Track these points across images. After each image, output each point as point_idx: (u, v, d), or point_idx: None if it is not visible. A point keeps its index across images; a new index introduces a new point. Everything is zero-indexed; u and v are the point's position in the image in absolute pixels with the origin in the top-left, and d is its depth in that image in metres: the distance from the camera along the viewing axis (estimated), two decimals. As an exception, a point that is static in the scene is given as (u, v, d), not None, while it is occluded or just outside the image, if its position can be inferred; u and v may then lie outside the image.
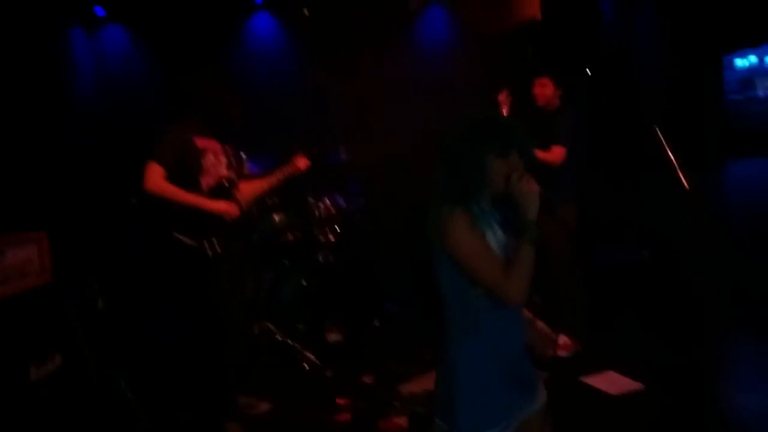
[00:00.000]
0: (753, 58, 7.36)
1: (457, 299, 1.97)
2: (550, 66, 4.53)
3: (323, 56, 5.62)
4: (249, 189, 3.74)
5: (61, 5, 5.01)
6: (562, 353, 4.27)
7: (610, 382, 3.89)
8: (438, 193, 1.96)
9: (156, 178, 3.36)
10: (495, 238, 1.94)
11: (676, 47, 5.92)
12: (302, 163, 3.83)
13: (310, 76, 5.62)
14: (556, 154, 4.28)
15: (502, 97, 4.38)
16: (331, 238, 4.89)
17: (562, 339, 4.29)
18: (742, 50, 6.45)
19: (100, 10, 5.32)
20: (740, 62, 7.31)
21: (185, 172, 3.44)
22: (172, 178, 3.39)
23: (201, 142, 3.51)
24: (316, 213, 4.89)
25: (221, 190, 3.56)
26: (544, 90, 4.46)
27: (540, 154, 4.21)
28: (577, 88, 5.42)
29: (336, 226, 4.93)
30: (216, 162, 3.56)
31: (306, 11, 5.55)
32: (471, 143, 1.93)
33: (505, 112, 4.31)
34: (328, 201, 4.95)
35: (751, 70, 7.15)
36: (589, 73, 5.67)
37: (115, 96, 5.20)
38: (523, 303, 1.94)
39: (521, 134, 1.96)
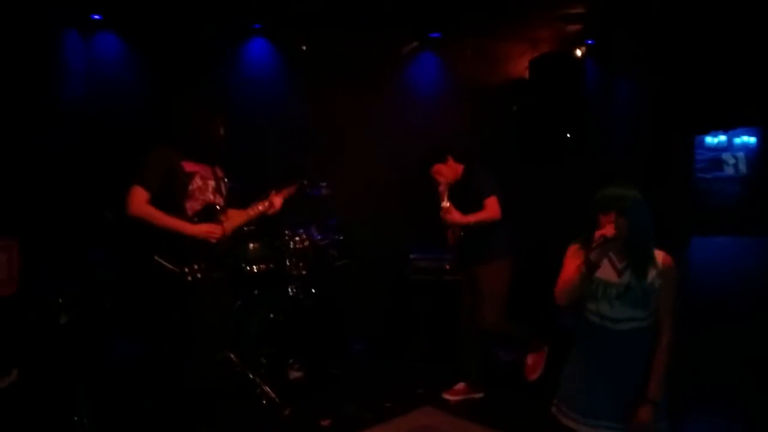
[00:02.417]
0: (722, 138, 7.66)
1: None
2: (427, 155, 4.69)
3: (314, 88, 5.65)
4: (235, 217, 3.73)
5: (58, 5, 4.94)
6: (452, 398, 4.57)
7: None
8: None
9: (139, 202, 3.35)
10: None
11: (653, 122, 6.15)
12: (278, 202, 3.87)
13: (300, 106, 5.64)
14: (491, 206, 4.40)
15: (442, 189, 4.52)
16: (303, 271, 4.87)
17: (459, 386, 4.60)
18: (714, 131, 6.74)
19: (96, 16, 5.25)
20: (709, 140, 7.59)
21: (170, 196, 3.44)
22: (156, 201, 3.38)
23: (189, 166, 3.51)
24: (291, 245, 4.87)
25: (208, 214, 3.55)
26: (441, 174, 4.62)
27: (479, 215, 4.38)
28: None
29: (308, 260, 4.92)
30: (203, 186, 3.56)
31: (304, 47, 5.59)
32: (591, 204, 2.64)
33: (445, 203, 4.42)
34: (303, 233, 4.95)
35: (719, 149, 7.42)
36: (568, 136, 5.87)
37: (103, 102, 5.12)
38: (560, 304, 2.68)
39: (617, 197, 2.56)
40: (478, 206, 4.43)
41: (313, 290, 4.93)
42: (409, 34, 6.04)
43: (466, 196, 4.53)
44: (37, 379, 3.46)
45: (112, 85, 5.16)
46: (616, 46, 6.12)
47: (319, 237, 5.06)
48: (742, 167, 7.29)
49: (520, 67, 6.22)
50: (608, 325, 2.62)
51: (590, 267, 2.53)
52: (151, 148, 3.49)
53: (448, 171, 4.63)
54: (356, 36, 5.76)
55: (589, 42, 6.12)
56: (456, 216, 4.41)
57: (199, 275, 3.43)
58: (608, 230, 2.49)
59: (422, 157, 4.74)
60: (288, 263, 4.84)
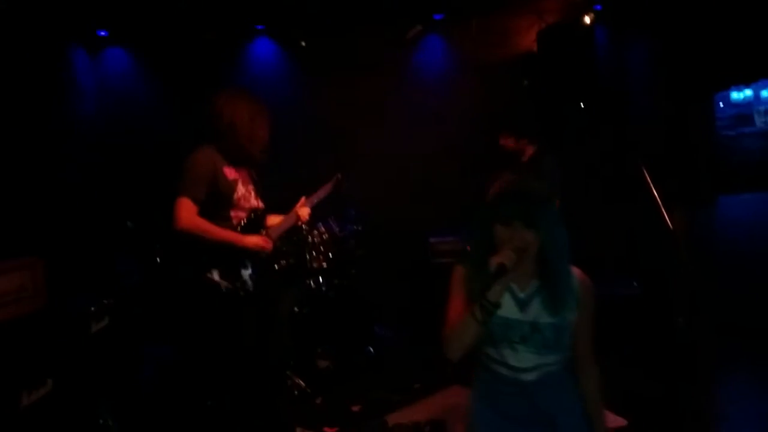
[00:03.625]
0: (748, 92, 7.45)
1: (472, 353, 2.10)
2: (513, 118, 4.48)
3: (322, 82, 5.70)
4: (276, 223, 3.58)
5: (63, 25, 5.06)
6: None
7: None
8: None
9: (189, 214, 3.11)
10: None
11: (669, 83, 6.02)
12: (304, 213, 3.66)
13: (310, 102, 5.69)
14: None
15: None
16: (324, 264, 4.93)
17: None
18: (734, 87, 6.55)
19: (102, 32, 5.38)
20: (735, 96, 7.39)
21: (215, 206, 3.22)
22: (202, 212, 3.17)
23: (230, 172, 3.29)
24: (310, 239, 4.93)
25: (254, 223, 3.39)
26: (506, 142, 4.41)
27: None
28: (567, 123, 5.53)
29: (329, 253, 4.97)
30: (247, 194, 3.37)
31: (303, 43, 5.63)
32: (486, 208, 1.97)
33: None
34: (322, 227, 5.00)
35: (747, 105, 7.22)
36: (582, 107, 5.78)
37: (116, 118, 5.26)
38: (449, 357, 1.94)
39: (526, 204, 1.90)
40: None
41: (336, 281, 4.99)
42: (413, 19, 6.02)
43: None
44: (71, 388, 3.58)
45: (123, 98, 5.30)
46: (624, 8, 6.01)
47: (337, 229, 5.10)
48: (769, 121, 7.06)
49: (529, 40, 6.14)
50: (520, 376, 1.99)
51: (487, 310, 1.87)
52: (193, 153, 3.23)
53: (513, 144, 4.37)
54: (360, 28, 5.78)
55: (597, 7, 6.01)
56: None
57: (251, 288, 3.28)
58: (506, 256, 1.85)
59: (498, 118, 4.52)
60: (308, 257, 4.90)
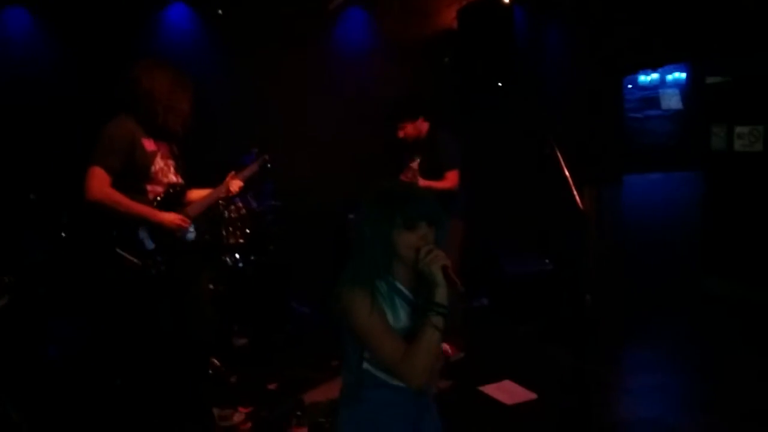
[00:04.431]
0: (654, 76, 7.80)
1: (348, 369, 1.94)
2: (400, 108, 4.67)
3: (239, 53, 5.52)
4: (198, 197, 3.45)
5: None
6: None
7: (506, 392, 4.09)
8: (347, 267, 1.88)
9: (101, 185, 3.00)
10: (397, 316, 1.87)
11: (580, 66, 6.22)
12: (235, 186, 3.57)
13: (226, 73, 5.50)
14: (451, 179, 4.47)
15: (415, 165, 4.57)
16: (241, 240, 4.84)
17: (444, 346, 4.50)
18: (642, 71, 6.84)
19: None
20: (642, 79, 7.72)
21: (131, 178, 3.11)
22: (116, 184, 3.05)
23: (149, 144, 3.18)
24: (226, 214, 4.82)
25: (172, 199, 3.28)
26: (405, 131, 4.65)
27: (438, 185, 4.39)
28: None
29: (246, 228, 4.87)
30: (165, 168, 3.26)
31: (220, 11, 5.42)
32: (375, 217, 1.85)
33: (419, 182, 4.41)
34: (239, 202, 4.89)
35: (652, 88, 7.55)
36: (500, 86, 5.89)
37: (17, 81, 4.90)
38: (421, 387, 1.82)
39: (428, 202, 1.87)
40: (437, 171, 4.46)
41: (253, 257, 4.91)
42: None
43: (425, 156, 4.53)
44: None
45: (25, 63, 4.94)
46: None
47: (255, 204, 5.01)
48: (676, 103, 7.44)
49: (449, 17, 6.16)
50: (411, 395, 1.89)
51: (443, 315, 1.80)
52: (110, 122, 3.11)
53: (412, 129, 4.64)
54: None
55: (517, -12, 6.10)
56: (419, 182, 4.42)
57: (162, 267, 3.16)
58: (440, 257, 1.80)
59: (394, 107, 4.70)
60: (224, 233, 4.80)
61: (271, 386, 4.19)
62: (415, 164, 4.64)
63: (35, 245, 4.41)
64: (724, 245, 6.23)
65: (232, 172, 3.61)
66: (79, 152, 3.14)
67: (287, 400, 3.85)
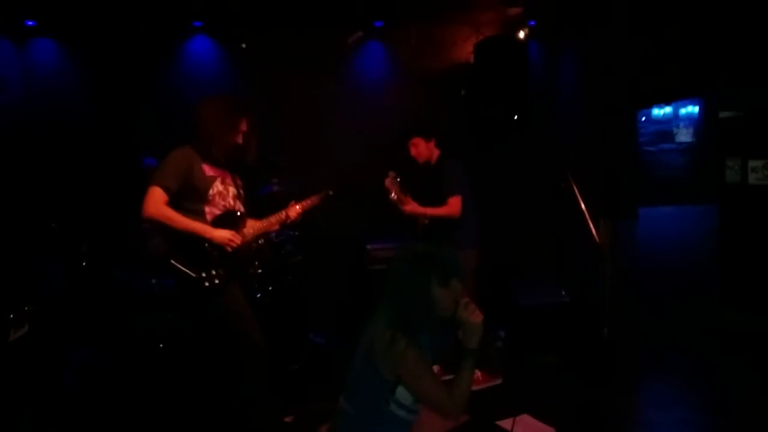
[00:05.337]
0: (668, 110, 7.83)
1: (359, 404, 2.21)
2: (417, 125, 4.68)
3: (261, 85, 5.61)
4: (254, 225, 3.66)
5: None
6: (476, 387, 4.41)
7: (524, 427, 4.04)
8: (383, 315, 2.12)
9: (157, 203, 3.22)
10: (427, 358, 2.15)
11: (595, 99, 6.28)
12: (293, 214, 3.78)
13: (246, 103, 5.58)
14: (453, 205, 4.44)
15: (389, 182, 4.52)
16: (259, 270, 4.85)
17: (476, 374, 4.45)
18: (656, 104, 6.89)
19: (30, 22, 5.11)
20: (656, 112, 7.75)
21: (190, 200, 3.34)
22: (175, 203, 3.28)
23: (208, 170, 3.41)
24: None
25: (228, 220, 3.45)
26: (417, 149, 4.63)
27: (439, 210, 4.40)
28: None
29: (264, 259, 4.90)
30: (224, 192, 3.47)
31: (243, 45, 5.53)
32: (414, 281, 2.11)
33: (393, 195, 4.43)
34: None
35: (665, 121, 7.58)
36: (516, 119, 5.95)
37: (43, 110, 5.00)
38: (458, 417, 2.17)
39: (455, 260, 2.18)
40: (440, 198, 4.44)
41: (271, 288, 4.93)
42: (353, 25, 6.02)
43: (430, 185, 4.54)
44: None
45: (50, 92, 5.04)
46: (556, 25, 6.22)
47: (273, 234, 5.04)
48: (688, 137, 7.47)
49: (466, 51, 6.27)
50: (413, 418, 2.23)
51: (476, 358, 2.16)
52: (173, 150, 3.37)
53: (425, 149, 4.61)
54: (301, 30, 5.74)
55: (532, 23, 6.19)
56: (413, 207, 4.44)
57: (217, 281, 3.34)
58: (475, 313, 2.13)
59: (410, 124, 4.71)
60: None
61: (288, 418, 4.16)
62: (388, 182, 4.58)
63: (56, 274, 4.46)
64: (740, 278, 6.20)
65: (293, 201, 3.82)
66: (102, 182, 3.24)
67: (305, 432, 3.82)
